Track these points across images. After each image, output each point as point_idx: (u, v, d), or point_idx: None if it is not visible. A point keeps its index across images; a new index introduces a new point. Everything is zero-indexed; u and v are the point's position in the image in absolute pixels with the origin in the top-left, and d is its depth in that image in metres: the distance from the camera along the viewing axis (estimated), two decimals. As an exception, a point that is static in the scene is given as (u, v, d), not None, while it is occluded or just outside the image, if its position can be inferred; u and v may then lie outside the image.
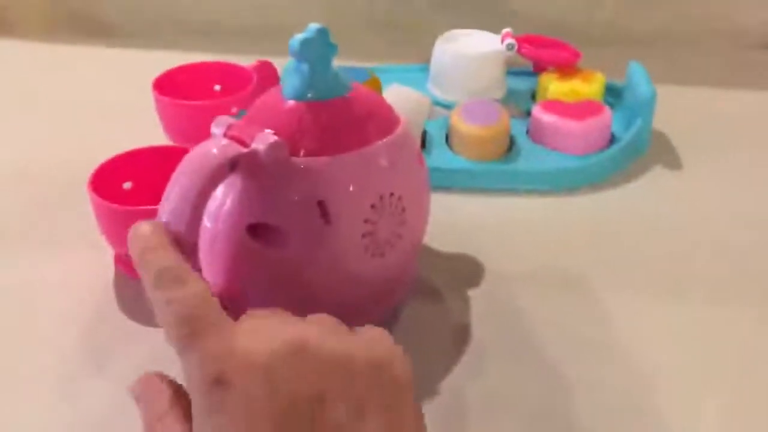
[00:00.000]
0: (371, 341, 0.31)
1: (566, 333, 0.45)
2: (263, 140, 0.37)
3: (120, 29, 0.95)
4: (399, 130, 0.41)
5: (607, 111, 0.62)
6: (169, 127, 0.62)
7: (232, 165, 0.36)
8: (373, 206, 0.39)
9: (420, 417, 0.31)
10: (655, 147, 0.65)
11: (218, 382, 0.27)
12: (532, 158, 0.61)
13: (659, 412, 0.40)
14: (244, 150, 0.37)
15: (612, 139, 0.63)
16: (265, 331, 0.29)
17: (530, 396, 0.41)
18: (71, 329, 0.46)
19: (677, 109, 0.68)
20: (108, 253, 0.51)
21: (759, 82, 0.77)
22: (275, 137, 0.37)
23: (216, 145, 0.36)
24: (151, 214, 0.45)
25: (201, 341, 0.28)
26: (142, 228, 0.33)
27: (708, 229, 0.54)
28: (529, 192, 0.59)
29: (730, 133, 0.68)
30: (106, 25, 0.96)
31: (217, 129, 0.38)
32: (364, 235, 0.39)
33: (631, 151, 0.63)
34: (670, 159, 0.64)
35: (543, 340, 0.44)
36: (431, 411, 0.34)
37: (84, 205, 0.48)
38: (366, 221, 0.39)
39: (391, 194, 0.40)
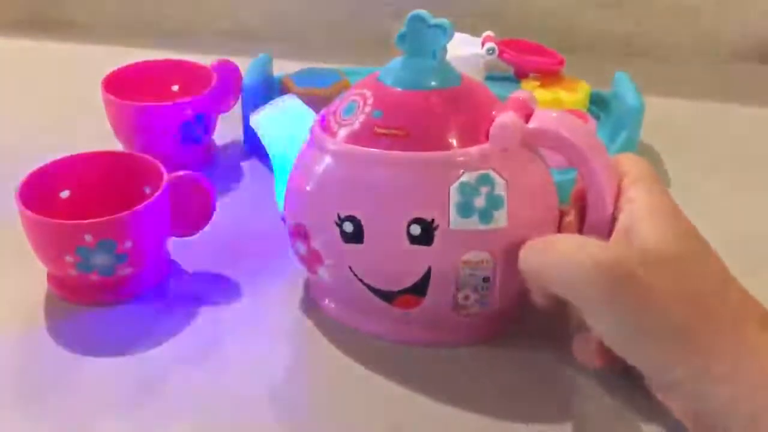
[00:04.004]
0: None
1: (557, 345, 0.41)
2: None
3: (72, 23, 0.90)
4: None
5: (592, 122, 0.58)
6: (120, 130, 0.57)
7: None
8: None
9: None
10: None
11: None
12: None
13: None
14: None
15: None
16: None
17: None
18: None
19: (667, 121, 0.64)
20: (40, 271, 0.46)
21: (751, 95, 0.73)
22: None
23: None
24: (89, 228, 0.41)
25: None
26: None
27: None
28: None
29: (722, 147, 0.64)
30: (56, 18, 0.90)
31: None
32: None
33: (616, 164, 0.59)
34: (658, 173, 0.59)
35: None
36: None
37: (15, 215, 0.43)
38: None
39: None
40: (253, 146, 0.61)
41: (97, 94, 0.56)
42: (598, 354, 0.37)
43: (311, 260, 0.41)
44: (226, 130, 0.62)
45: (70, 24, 0.90)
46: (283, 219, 0.42)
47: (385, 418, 0.38)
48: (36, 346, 0.42)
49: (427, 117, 0.38)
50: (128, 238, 0.42)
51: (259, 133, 0.41)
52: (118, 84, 0.57)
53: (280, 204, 0.43)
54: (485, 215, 0.37)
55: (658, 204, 0.36)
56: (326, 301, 0.44)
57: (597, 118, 0.62)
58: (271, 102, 0.41)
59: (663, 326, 0.33)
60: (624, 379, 0.38)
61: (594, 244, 0.35)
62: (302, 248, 0.41)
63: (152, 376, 0.40)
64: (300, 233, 0.40)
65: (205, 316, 0.44)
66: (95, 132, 0.58)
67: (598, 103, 0.64)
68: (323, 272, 0.41)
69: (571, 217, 0.41)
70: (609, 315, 0.34)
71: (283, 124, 0.41)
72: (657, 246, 0.34)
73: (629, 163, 0.39)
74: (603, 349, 0.37)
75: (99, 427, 0.37)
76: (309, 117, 0.41)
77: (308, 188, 0.39)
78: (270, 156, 0.42)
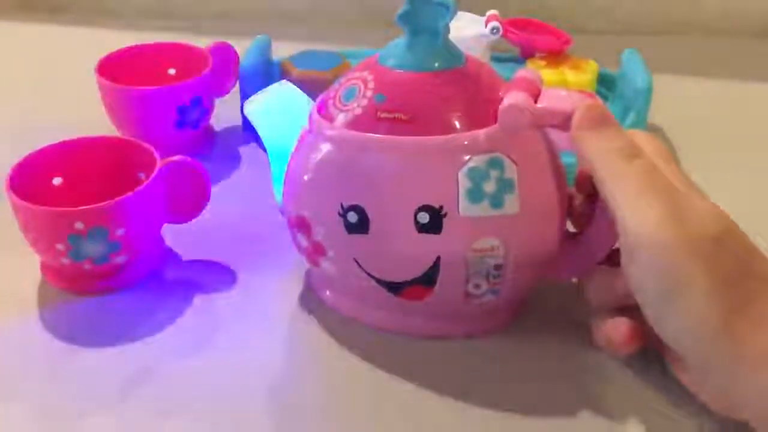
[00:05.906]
0: None
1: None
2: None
3: (66, 6, 0.88)
4: None
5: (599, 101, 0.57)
6: (115, 115, 0.56)
7: None
8: None
9: None
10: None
11: None
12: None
13: None
14: None
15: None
16: None
17: None
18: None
19: (675, 101, 0.62)
20: (34, 260, 0.44)
21: (763, 72, 0.71)
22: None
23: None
24: (79, 216, 0.40)
25: None
26: None
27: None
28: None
29: (732, 128, 0.62)
30: (50, 0, 0.88)
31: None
32: None
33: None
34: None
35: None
36: None
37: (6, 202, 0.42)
38: None
39: None
40: (252, 131, 0.60)
41: (92, 79, 0.55)
42: (633, 336, 0.36)
43: (313, 252, 0.39)
44: (224, 114, 0.60)
45: (63, 7, 0.88)
46: (282, 211, 0.41)
47: (391, 414, 0.36)
48: (29, 335, 0.41)
49: (432, 99, 0.36)
50: (120, 225, 0.41)
51: (253, 121, 0.40)
52: (113, 68, 0.56)
53: (278, 196, 0.41)
54: (496, 200, 0.35)
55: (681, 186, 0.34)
56: (328, 292, 0.43)
57: (605, 99, 0.61)
58: (264, 89, 0.40)
59: (706, 311, 0.31)
60: (645, 364, 0.37)
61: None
62: (303, 240, 0.39)
63: (146, 366, 0.39)
64: (301, 225, 0.39)
65: (201, 305, 0.43)
66: (90, 117, 0.56)
67: (606, 83, 0.63)
68: (326, 264, 0.39)
69: (580, 200, 0.39)
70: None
71: (278, 111, 0.39)
72: (692, 228, 0.32)
73: (642, 141, 0.37)
74: (637, 331, 0.35)
75: (92, 416, 0.36)
76: (305, 103, 0.40)
77: (308, 178, 0.38)
78: (265, 145, 0.41)
